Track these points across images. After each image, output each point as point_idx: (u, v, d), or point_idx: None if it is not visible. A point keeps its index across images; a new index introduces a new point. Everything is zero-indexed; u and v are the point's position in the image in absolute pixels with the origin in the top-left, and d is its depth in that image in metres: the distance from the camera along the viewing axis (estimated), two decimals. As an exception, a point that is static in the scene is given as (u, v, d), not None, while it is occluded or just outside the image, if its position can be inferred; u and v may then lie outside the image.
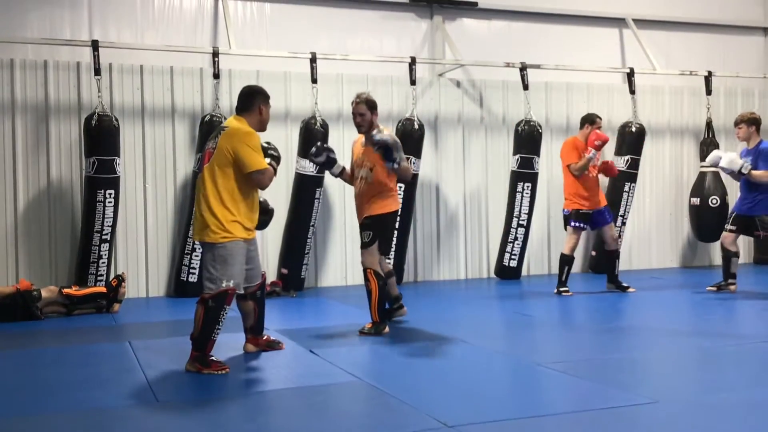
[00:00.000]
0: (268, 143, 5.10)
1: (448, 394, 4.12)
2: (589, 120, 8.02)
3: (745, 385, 4.30)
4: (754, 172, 7.48)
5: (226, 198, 4.69)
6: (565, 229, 8.05)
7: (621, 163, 9.53)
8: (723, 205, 9.95)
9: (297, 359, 5.14)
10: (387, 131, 5.92)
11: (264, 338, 5.36)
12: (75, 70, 8.05)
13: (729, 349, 5.31)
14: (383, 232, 5.96)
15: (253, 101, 4.94)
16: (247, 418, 3.84)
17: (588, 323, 6.55)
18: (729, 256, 7.87)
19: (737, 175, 7.61)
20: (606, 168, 8.07)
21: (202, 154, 4.95)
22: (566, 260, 7.96)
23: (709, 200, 9.96)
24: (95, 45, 7.66)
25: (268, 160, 4.87)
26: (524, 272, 9.64)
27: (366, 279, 5.89)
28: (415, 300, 7.80)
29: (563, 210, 8.02)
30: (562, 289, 7.93)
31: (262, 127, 4.97)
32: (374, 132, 5.80)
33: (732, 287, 7.85)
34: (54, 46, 7.92)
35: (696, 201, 10.06)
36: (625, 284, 8.07)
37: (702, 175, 10.12)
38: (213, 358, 4.76)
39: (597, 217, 7.97)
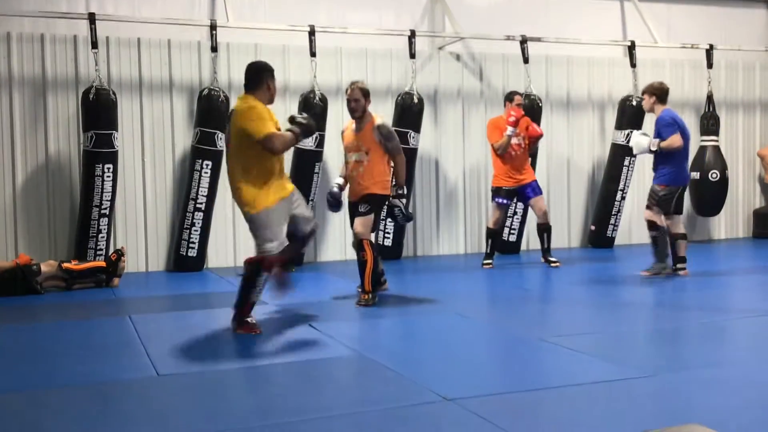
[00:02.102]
0: (301, 113, 5.45)
1: (446, 368, 4.14)
2: (507, 98, 8.17)
3: (741, 359, 4.32)
4: (662, 144, 7.09)
5: (252, 173, 4.98)
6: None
7: (621, 137, 9.49)
8: (723, 180, 9.95)
9: (296, 333, 5.16)
10: (380, 118, 6.18)
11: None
12: (72, 43, 7.99)
13: (726, 324, 5.33)
14: (379, 210, 6.19)
15: (261, 77, 5.11)
16: (247, 391, 3.86)
17: (586, 297, 6.57)
18: (677, 238, 7.29)
19: (651, 153, 7.23)
20: (530, 135, 8.05)
21: (227, 135, 5.20)
22: (489, 233, 8.29)
23: (709, 174, 9.94)
24: (92, 18, 7.59)
25: (291, 126, 5.12)
26: (523, 247, 9.65)
27: (361, 248, 6.00)
28: (414, 274, 7.83)
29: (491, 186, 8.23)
30: (485, 261, 8.24)
31: (271, 100, 5.18)
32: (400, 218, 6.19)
33: (684, 271, 7.31)
34: (51, 19, 7.86)
35: (696, 175, 10.04)
36: (552, 259, 8.05)
37: (702, 150, 10.09)
38: (248, 320, 5.09)
39: (523, 193, 8.09)
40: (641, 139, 7.31)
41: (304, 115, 5.36)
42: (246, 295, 5.05)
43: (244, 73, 5.16)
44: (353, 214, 6.22)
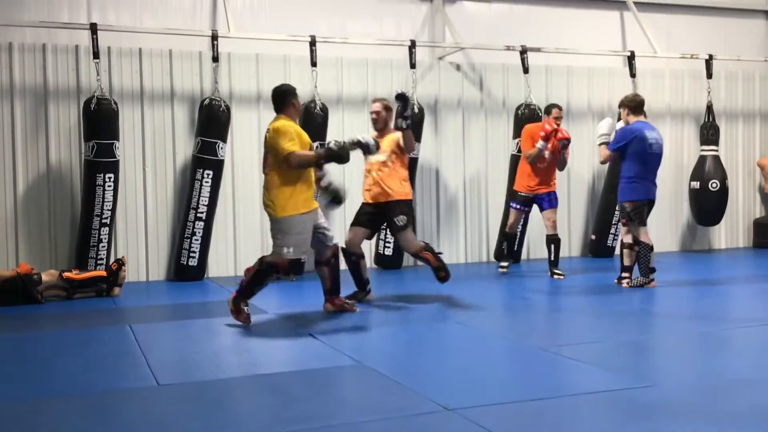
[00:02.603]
0: (337, 141, 5.79)
1: (448, 378, 4.13)
2: (546, 110, 8.24)
3: (743, 368, 4.31)
4: (603, 148, 7.30)
5: (283, 182, 5.54)
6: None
7: (621, 146, 9.50)
8: (723, 189, 9.96)
9: (297, 343, 5.16)
10: (392, 137, 6.57)
11: (339, 300, 6.12)
12: (73, 53, 8.02)
13: (728, 333, 5.33)
14: (411, 214, 6.64)
15: (284, 100, 5.75)
16: (247, 401, 3.85)
17: (587, 307, 6.56)
18: (625, 247, 7.30)
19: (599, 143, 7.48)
20: (558, 140, 8.00)
21: (264, 159, 5.81)
22: (504, 236, 8.64)
23: (709, 184, 9.95)
24: (94, 28, 7.62)
25: (321, 149, 5.79)
26: (524, 256, 9.65)
27: (422, 260, 6.59)
28: (414, 284, 7.82)
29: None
30: (501, 265, 8.54)
31: (299, 114, 5.96)
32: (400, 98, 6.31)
33: (654, 282, 7.25)
34: (52, 29, 7.89)
35: (696, 185, 10.06)
36: (557, 271, 8.06)
37: (702, 159, 10.10)
38: (244, 307, 5.63)
39: (539, 202, 8.15)
40: (605, 124, 7.42)
41: (339, 142, 5.69)
42: (252, 287, 5.61)
43: (271, 97, 5.85)
44: (364, 215, 6.62)
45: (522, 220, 8.68)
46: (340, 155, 5.55)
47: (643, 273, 7.20)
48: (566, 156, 8.07)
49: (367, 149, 5.74)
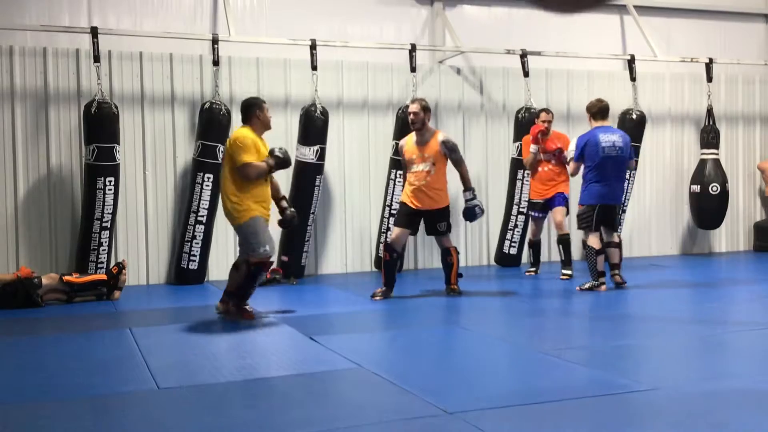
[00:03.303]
0: (280, 148, 6.07)
1: (448, 381, 4.13)
2: (535, 115, 8.38)
3: (745, 372, 4.31)
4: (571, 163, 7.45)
5: (240, 190, 5.82)
6: None
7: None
8: (723, 193, 9.96)
9: (297, 346, 5.16)
10: (442, 133, 6.96)
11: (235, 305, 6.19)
12: (74, 57, 8.03)
13: (729, 337, 5.32)
14: (449, 220, 7.06)
15: (248, 112, 6.02)
16: (248, 405, 3.85)
17: (587, 310, 6.56)
18: (594, 252, 7.21)
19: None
20: (546, 150, 8.11)
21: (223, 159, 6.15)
22: (528, 245, 8.75)
23: (710, 187, 9.96)
24: (94, 32, 7.63)
25: (268, 159, 5.90)
26: (524, 259, 9.64)
27: (449, 255, 7.05)
28: (415, 287, 7.81)
29: None
30: (528, 269, 8.66)
31: (266, 126, 6.08)
32: (469, 213, 7.05)
33: (603, 286, 7.20)
34: (53, 33, 7.90)
35: (696, 188, 10.06)
36: (564, 271, 8.09)
37: (702, 163, 10.11)
38: (247, 307, 5.97)
39: (549, 204, 8.27)
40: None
41: (282, 149, 6.05)
42: (247, 290, 5.94)
43: (240, 109, 6.15)
44: (406, 216, 6.93)
45: (542, 227, 8.65)
46: (286, 161, 6.00)
47: (593, 277, 7.22)
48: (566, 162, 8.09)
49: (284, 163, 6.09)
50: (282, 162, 5.99)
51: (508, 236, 9.31)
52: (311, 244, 8.67)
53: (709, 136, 10.10)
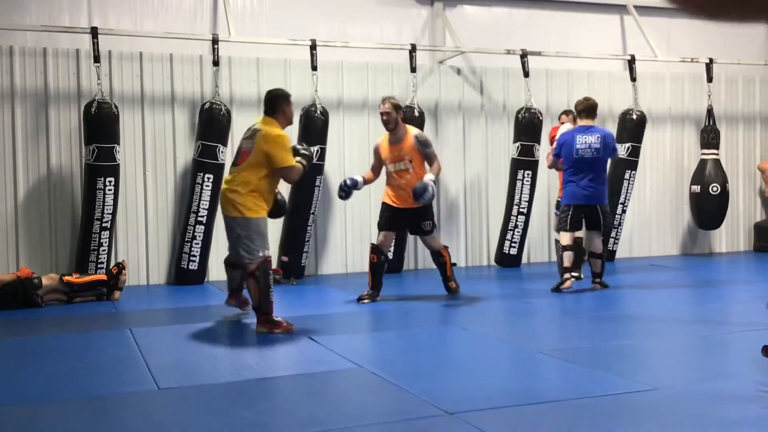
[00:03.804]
0: (301, 144, 6.02)
1: (448, 381, 4.13)
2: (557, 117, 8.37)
3: (745, 373, 4.31)
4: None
5: (257, 185, 5.53)
6: None
7: (622, 150, 9.51)
8: (723, 193, 9.96)
9: (297, 346, 5.15)
10: (414, 129, 6.81)
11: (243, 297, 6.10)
12: (74, 57, 8.03)
13: (729, 337, 5.32)
14: (433, 219, 6.94)
15: (275, 104, 5.71)
16: (248, 405, 3.85)
17: (587, 310, 6.56)
18: (589, 256, 7.39)
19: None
20: None
21: (239, 150, 5.73)
22: (557, 245, 8.37)
23: (710, 188, 9.96)
24: (94, 32, 7.63)
25: (298, 158, 5.67)
26: (524, 260, 9.65)
27: (441, 255, 6.96)
28: (415, 287, 7.82)
29: None
30: (574, 274, 8.22)
31: (288, 122, 5.82)
32: (419, 190, 6.40)
33: (567, 282, 7.22)
34: (53, 33, 7.90)
35: (696, 188, 10.06)
36: (574, 273, 8.02)
37: (703, 163, 10.11)
38: (277, 319, 5.53)
39: None
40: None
41: (304, 145, 5.97)
42: (267, 295, 5.49)
43: (264, 99, 5.79)
44: (389, 218, 6.77)
45: None
46: (311, 156, 5.91)
47: (559, 273, 7.27)
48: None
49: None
50: (310, 158, 5.86)
51: (508, 237, 9.31)
52: (311, 245, 8.67)
53: (710, 137, 10.10)
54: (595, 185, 7.20)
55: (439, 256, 6.98)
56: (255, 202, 5.52)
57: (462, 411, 3.49)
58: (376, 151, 6.88)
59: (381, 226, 6.87)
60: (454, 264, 7.21)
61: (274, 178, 5.63)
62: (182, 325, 6.02)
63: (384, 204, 6.84)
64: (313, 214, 8.42)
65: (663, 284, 7.89)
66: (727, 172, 10.23)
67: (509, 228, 9.29)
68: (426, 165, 6.68)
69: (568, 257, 7.19)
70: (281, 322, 5.50)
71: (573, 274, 8.02)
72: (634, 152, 9.63)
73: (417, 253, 9.43)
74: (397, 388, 3.95)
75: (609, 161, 7.59)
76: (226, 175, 6.05)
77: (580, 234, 8.05)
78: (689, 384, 4.06)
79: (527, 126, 9.10)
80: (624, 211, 9.72)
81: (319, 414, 3.59)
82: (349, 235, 9.08)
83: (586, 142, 7.17)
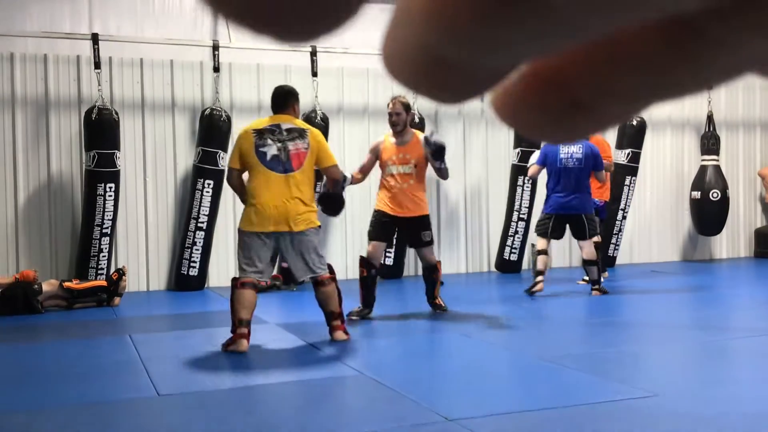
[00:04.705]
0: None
1: (448, 388, 4.12)
2: None
3: (746, 379, 4.30)
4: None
5: (310, 194, 5.19)
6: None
7: (622, 156, 9.52)
8: (724, 199, 9.96)
9: (297, 353, 5.15)
10: (421, 135, 6.29)
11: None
12: (75, 63, 8.04)
13: (729, 344, 5.31)
14: (431, 231, 6.50)
15: (288, 100, 5.33)
16: (248, 411, 3.84)
17: (588, 317, 6.56)
18: (536, 252, 7.53)
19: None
20: None
21: (286, 154, 5.10)
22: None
23: (710, 194, 9.96)
24: (95, 38, 7.65)
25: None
26: (524, 266, 9.64)
27: (435, 271, 6.44)
28: (415, 294, 7.80)
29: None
30: (602, 274, 8.36)
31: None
32: (430, 134, 6.09)
33: (538, 285, 7.33)
34: (54, 39, 7.91)
35: (697, 195, 10.06)
36: (586, 277, 8.06)
37: (703, 169, 10.12)
38: (347, 316, 5.54)
39: None
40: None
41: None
42: (341, 302, 5.31)
43: (272, 96, 5.39)
44: (382, 227, 6.28)
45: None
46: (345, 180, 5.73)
47: (533, 276, 7.36)
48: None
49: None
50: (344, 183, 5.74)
51: (509, 243, 9.31)
52: (311, 251, 8.66)
53: (710, 143, 10.10)
54: (577, 195, 7.23)
55: (434, 271, 6.45)
56: (314, 211, 5.20)
57: (461, 417, 3.48)
58: (375, 151, 6.41)
59: (372, 236, 6.37)
60: (442, 283, 6.75)
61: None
62: (182, 331, 6.02)
63: (379, 212, 6.33)
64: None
65: (663, 290, 7.88)
66: (728, 179, 10.23)
67: (509, 234, 9.29)
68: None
69: (541, 261, 7.27)
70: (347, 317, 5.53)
71: (586, 277, 8.04)
72: (634, 158, 9.63)
73: (417, 259, 9.42)
74: (396, 395, 3.95)
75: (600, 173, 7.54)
76: (265, 183, 5.10)
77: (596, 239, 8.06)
78: (690, 391, 4.05)
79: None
80: (624, 217, 9.72)
81: (319, 420, 3.58)
82: (349, 241, 9.08)
83: (568, 151, 7.22)
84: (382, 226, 6.29)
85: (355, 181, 6.37)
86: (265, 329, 5.90)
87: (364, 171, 6.44)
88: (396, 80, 0.25)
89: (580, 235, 7.30)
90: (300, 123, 5.30)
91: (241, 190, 5.18)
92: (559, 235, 7.41)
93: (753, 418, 3.49)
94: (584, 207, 7.25)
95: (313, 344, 5.29)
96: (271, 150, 5.05)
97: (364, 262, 6.27)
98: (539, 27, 0.21)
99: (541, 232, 7.39)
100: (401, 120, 6.23)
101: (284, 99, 5.30)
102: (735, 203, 10.60)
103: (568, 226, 7.30)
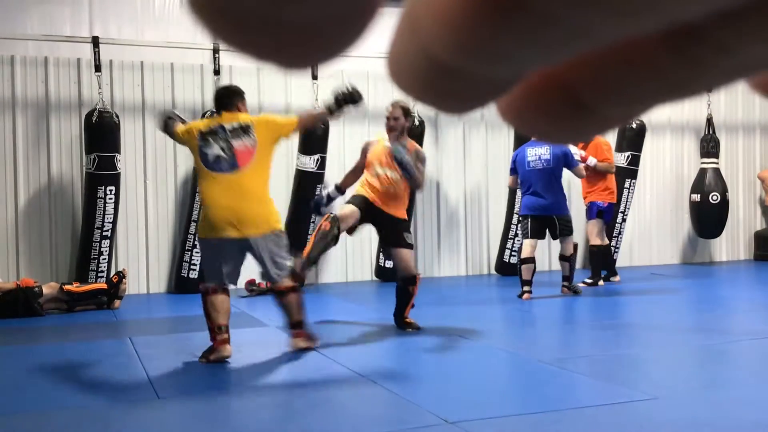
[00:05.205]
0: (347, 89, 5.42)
1: (449, 391, 4.12)
2: None
3: (745, 382, 4.30)
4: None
5: (265, 189, 4.86)
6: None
7: (621, 159, 9.52)
8: (723, 202, 9.97)
9: (298, 355, 5.14)
10: (417, 146, 6.05)
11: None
12: (75, 66, 8.05)
13: (729, 346, 5.31)
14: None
15: (233, 99, 5.03)
16: (248, 414, 3.84)
17: (589, 319, 6.56)
18: (520, 261, 7.52)
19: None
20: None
21: (231, 153, 4.78)
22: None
23: (710, 197, 9.97)
24: (96, 41, 7.66)
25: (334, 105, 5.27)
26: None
27: (412, 284, 5.85)
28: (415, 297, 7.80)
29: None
30: (613, 278, 8.52)
31: None
32: (398, 149, 5.69)
33: (525, 295, 7.36)
34: (54, 42, 7.92)
35: (696, 197, 10.07)
36: (587, 280, 8.09)
37: (702, 172, 10.12)
38: (309, 331, 5.14)
39: (587, 213, 8.40)
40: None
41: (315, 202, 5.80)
42: (305, 310, 5.15)
43: (214, 96, 5.20)
44: (371, 212, 5.80)
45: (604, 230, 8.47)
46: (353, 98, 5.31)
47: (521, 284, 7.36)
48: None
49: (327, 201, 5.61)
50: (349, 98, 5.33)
51: (508, 245, 9.31)
52: (311, 253, 8.66)
53: (709, 146, 10.11)
54: (548, 196, 7.28)
55: (411, 283, 5.87)
56: (274, 209, 4.92)
57: (462, 420, 3.48)
58: (366, 150, 6.07)
59: (350, 200, 5.87)
60: (413, 305, 6.07)
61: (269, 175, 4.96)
62: (182, 334, 6.02)
63: (357, 194, 5.89)
64: (313, 222, 8.42)
65: (663, 293, 7.88)
66: (727, 181, 10.24)
67: (509, 237, 9.29)
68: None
69: (525, 270, 7.29)
70: (313, 335, 5.14)
71: (587, 279, 8.06)
72: (634, 161, 9.64)
73: (417, 262, 9.42)
74: (397, 397, 3.95)
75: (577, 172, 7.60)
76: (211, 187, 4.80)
77: (595, 242, 8.07)
78: (690, 393, 4.05)
79: (527, 136, 9.10)
80: (624, 220, 9.72)
81: (319, 423, 3.58)
82: (349, 244, 9.07)
83: (536, 153, 7.30)
84: (361, 200, 5.82)
85: (346, 184, 6.10)
86: (264, 332, 5.91)
87: (357, 172, 6.09)
88: (400, 88, 0.26)
89: (554, 235, 7.41)
90: (244, 117, 4.91)
91: (171, 132, 5.13)
92: (541, 236, 7.47)
93: (753, 421, 3.50)
94: (556, 208, 7.32)
95: (313, 346, 5.29)
96: (214, 151, 4.77)
97: (333, 219, 5.64)
98: (543, 38, 0.21)
99: (524, 233, 7.47)
100: (399, 125, 5.95)
101: (229, 99, 5.02)
102: (734, 206, 10.60)
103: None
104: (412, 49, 0.24)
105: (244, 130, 4.85)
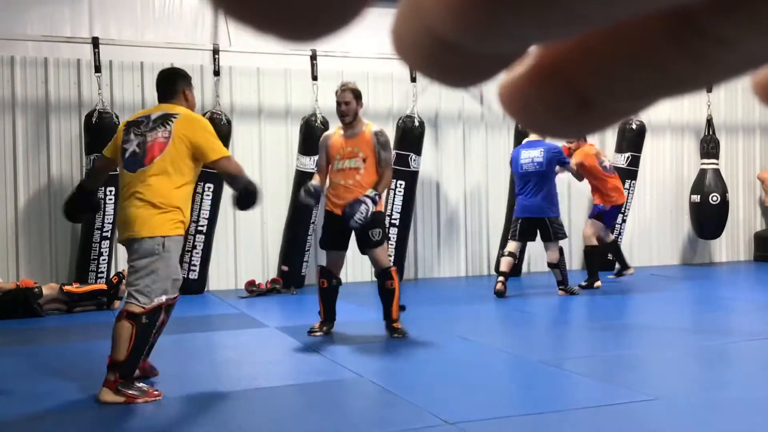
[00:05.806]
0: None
1: (449, 391, 4.12)
2: None
3: (745, 382, 4.30)
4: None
5: (175, 191, 4.03)
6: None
7: (621, 160, 9.53)
8: (723, 203, 9.97)
9: (297, 356, 5.15)
10: (375, 125, 5.67)
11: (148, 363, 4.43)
12: (75, 67, 8.05)
13: (729, 347, 5.31)
14: (385, 229, 5.79)
15: (176, 85, 4.23)
16: (249, 415, 3.84)
17: (588, 320, 6.56)
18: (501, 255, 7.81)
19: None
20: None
21: (143, 149, 4.03)
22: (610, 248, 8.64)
23: (710, 197, 9.97)
24: (96, 42, 7.66)
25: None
26: (524, 269, 9.64)
27: (389, 278, 5.51)
28: (415, 297, 7.81)
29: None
30: (626, 271, 8.63)
31: (191, 110, 4.29)
32: (353, 219, 5.20)
33: (498, 284, 7.51)
34: (54, 43, 7.92)
35: (696, 198, 10.07)
36: (582, 283, 8.10)
37: (702, 173, 10.12)
38: (141, 385, 4.00)
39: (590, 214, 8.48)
40: None
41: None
42: (140, 352, 4.10)
43: (157, 81, 4.34)
44: (334, 232, 5.54)
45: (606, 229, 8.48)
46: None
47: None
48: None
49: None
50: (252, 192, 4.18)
51: (509, 246, 9.31)
52: (311, 254, 8.67)
53: (709, 146, 10.11)
54: (539, 199, 7.32)
55: (387, 278, 5.50)
56: (169, 214, 3.99)
57: (462, 421, 3.48)
58: (324, 146, 5.60)
59: (323, 244, 5.71)
60: (403, 308, 5.82)
61: (195, 177, 4.23)
62: (182, 335, 6.02)
63: (326, 215, 5.63)
64: (313, 223, 8.42)
65: (663, 293, 7.88)
66: (727, 182, 10.24)
67: (509, 237, 9.28)
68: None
69: (506, 262, 7.48)
70: (144, 390, 3.97)
71: (582, 283, 8.09)
72: (634, 162, 9.64)
73: (417, 263, 9.43)
74: (397, 398, 3.95)
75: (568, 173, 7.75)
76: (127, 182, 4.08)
77: (591, 243, 8.11)
78: (690, 394, 4.05)
79: (527, 135, 9.10)
80: (624, 221, 9.72)
81: (319, 424, 3.58)
82: (349, 246, 9.06)
83: (529, 156, 7.34)
84: (331, 233, 5.57)
85: (321, 182, 5.63)
86: (264, 333, 5.91)
87: (323, 172, 5.63)
88: (404, 61, 0.26)
89: (546, 237, 7.43)
90: (175, 108, 4.12)
91: (96, 174, 4.52)
92: (531, 238, 7.57)
93: (753, 421, 3.50)
94: (547, 210, 7.36)
95: (312, 347, 5.29)
96: (131, 146, 4.05)
97: (323, 272, 5.56)
98: (543, 16, 0.21)
99: (512, 234, 7.59)
100: (351, 110, 5.45)
101: (172, 83, 4.23)
102: (734, 207, 10.60)
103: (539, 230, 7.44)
104: (414, 26, 0.24)
105: (164, 120, 4.07)
